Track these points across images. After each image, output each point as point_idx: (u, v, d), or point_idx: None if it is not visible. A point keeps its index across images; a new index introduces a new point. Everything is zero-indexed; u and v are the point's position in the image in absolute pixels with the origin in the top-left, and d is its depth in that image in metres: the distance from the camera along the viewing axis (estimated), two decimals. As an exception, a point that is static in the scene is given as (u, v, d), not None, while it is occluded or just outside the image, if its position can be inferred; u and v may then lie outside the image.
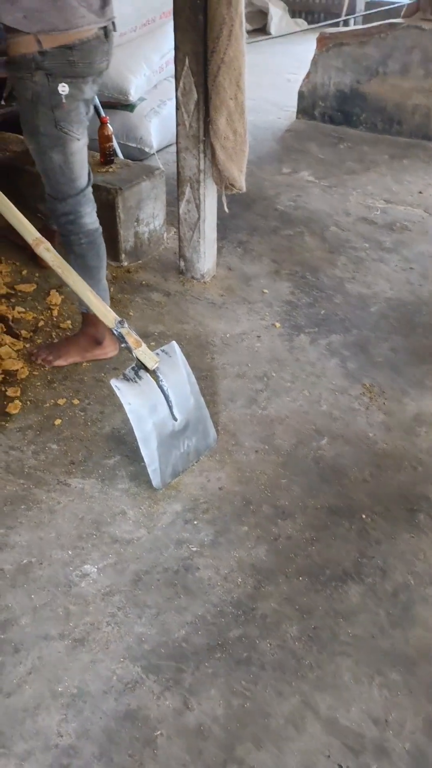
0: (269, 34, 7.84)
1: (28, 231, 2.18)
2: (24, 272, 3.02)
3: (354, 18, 7.52)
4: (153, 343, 2.72)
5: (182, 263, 3.17)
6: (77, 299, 2.38)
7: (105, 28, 2.23)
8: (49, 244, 2.19)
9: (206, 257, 3.14)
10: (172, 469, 2.17)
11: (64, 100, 2.19)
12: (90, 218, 2.46)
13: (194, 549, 1.96)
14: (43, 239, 2.18)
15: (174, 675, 1.67)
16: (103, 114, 3.33)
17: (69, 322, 2.84)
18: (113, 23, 2.28)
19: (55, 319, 2.85)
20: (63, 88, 2.17)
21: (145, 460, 2.11)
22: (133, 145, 4.17)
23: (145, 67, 4.22)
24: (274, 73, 6.38)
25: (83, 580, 1.86)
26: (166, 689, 1.64)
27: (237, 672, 1.68)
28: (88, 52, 2.19)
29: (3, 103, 3.25)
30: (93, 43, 2.19)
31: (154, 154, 4.22)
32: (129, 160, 3.44)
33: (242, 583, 1.88)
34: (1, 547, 1.94)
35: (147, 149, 4.18)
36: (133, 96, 4.11)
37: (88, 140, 2.41)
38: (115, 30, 2.29)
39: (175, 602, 1.82)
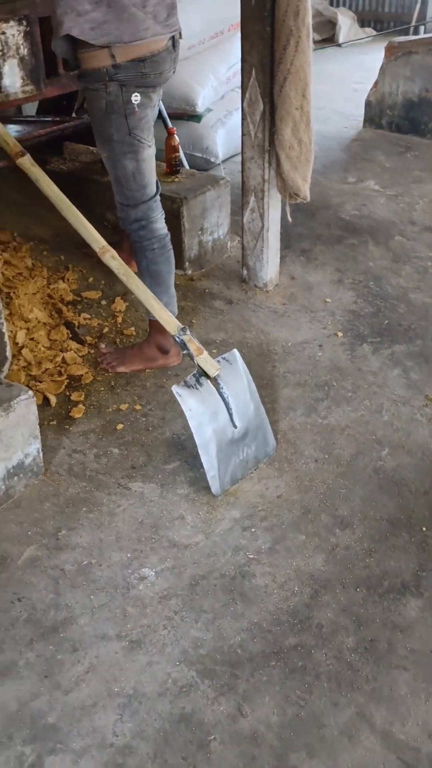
0: (338, 43, 7.82)
1: (95, 239, 2.23)
2: (90, 279, 3.09)
3: (425, 25, 7.43)
4: (215, 351, 2.75)
5: (245, 272, 3.19)
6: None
7: (172, 38, 2.28)
8: (114, 253, 2.24)
9: (269, 266, 3.15)
10: (230, 475, 2.18)
11: (136, 109, 2.26)
12: (160, 224, 2.51)
13: (251, 556, 1.96)
14: (109, 248, 2.24)
15: (229, 680, 1.67)
16: (170, 125, 3.39)
17: (133, 328, 2.89)
18: (179, 32, 2.32)
19: (119, 326, 2.91)
20: (135, 98, 2.24)
21: (205, 466, 2.13)
22: (199, 155, 4.22)
23: (213, 78, 4.27)
24: (341, 83, 6.36)
25: (141, 582, 1.89)
26: (220, 694, 1.64)
27: (292, 680, 1.67)
28: (159, 63, 2.25)
29: (75, 114, 3.35)
30: (163, 55, 2.26)
31: (219, 163, 4.26)
32: (194, 170, 3.49)
33: (299, 591, 1.87)
34: (63, 548, 1.99)
35: (213, 159, 4.23)
36: (200, 107, 4.16)
37: (156, 150, 2.46)
38: (181, 38, 2.34)
39: (231, 608, 1.83)
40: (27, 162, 2.21)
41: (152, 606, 1.83)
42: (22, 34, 2.64)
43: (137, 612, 1.82)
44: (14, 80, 2.67)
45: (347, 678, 1.67)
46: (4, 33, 2.59)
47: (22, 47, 2.65)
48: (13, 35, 2.62)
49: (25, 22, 2.64)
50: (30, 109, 3.65)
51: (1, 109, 2.76)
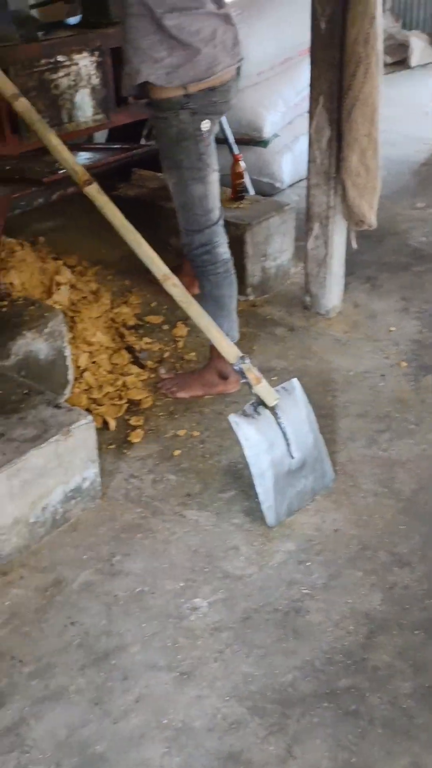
0: (410, 66, 7.75)
1: (158, 267, 2.26)
2: (153, 304, 3.13)
3: None
4: (275, 378, 2.73)
5: (308, 298, 3.17)
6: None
7: (238, 67, 2.33)
8: (176, 280, 2.25)
9: (332, 293, 3.12)
10: (287, 507, 2.15)
11: (205, 135, 2.31)
12: (224, 248, 2.53)
13: (305, 591, 1.93)
14: (172, 275, 2.26)
15: (279, 720, 1.64)
16: (236, 151, 3.41)
17: (193, 354, 2.90)
18: (242, 59, 2.36)
19: (180, 351, 2.92)
20: (205, 125, 2.30)
21: (260, 496, 2.11)
22: (265, 180, 4.23)
23: (281, 103, 4.29)
24: (412, 106, 6.28)
25: (193, 613, 1.88)
26: (270, 733, 1.61)
27: (344, 724, 1.62)
28: (226, 91, 2.32)
29: (143, 141, 3.41)
30: (230, 83, 2.32)
31: (285, 189, 4.26)
32: (259, 196, 3.50)
33: (354, 631, 1.82)
34: (117, 573, 1.99)
35: (278, 184, 4.23)
36: (267, 133, 4.18)
37: (220, 176, 2.50)
38: (242, 64, 2.38)
39: (283, 644, 1.79)
40: (94, 190, 2.25)
41: (203, 638, 1.82)
42: (95, 64, 2.72)
43: (188, 643, 1.80)
44: (85, 109, 2.75)
45: (402, 725, 1.62)
46: (77, 64, 2.66)
47: (93, 77, 2.73)
48: (85, 66, 2.69)
49: (97, 53, 2.72)
50: (100, 136, 3.73)
51: (72, 137, 2.83)
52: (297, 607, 1.89)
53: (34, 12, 4.61)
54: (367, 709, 1.65)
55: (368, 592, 1.92)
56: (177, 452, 2.42)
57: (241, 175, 3.29)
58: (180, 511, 2.19)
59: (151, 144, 3.32)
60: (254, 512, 2.17)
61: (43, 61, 2.57)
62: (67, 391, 2.57)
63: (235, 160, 3.26)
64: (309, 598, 1.91)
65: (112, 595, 1.93)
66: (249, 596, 1.92)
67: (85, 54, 2.68)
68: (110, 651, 1.78)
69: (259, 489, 2.11)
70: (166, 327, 3.04)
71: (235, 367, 2.22)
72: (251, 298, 3.24)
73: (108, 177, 3.34)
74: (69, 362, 2.55)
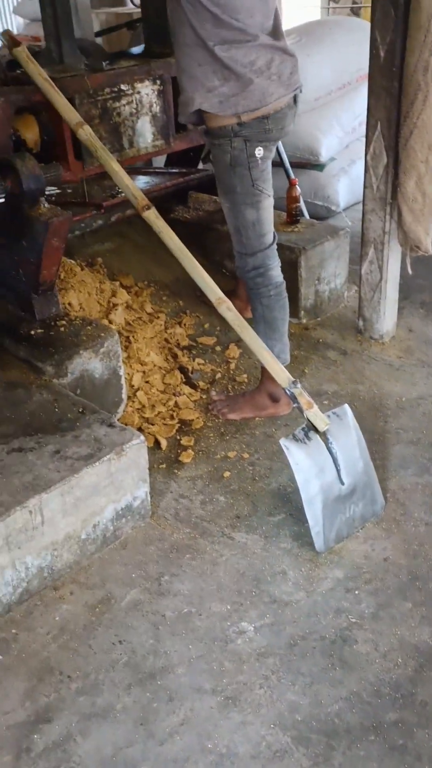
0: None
1: (212, 291, 2.29)
2: (206, 325, 3.16)
3: None
4: (326, 402, 2.73)
5: (361, 322, 3.16)
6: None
7: (294, 95, 2.35)
8: (230, 304, 2.28)
9: (386, 317, 3.10)
10: (336, 533, 2.14)
11: (259, 162, 2.34)
12: (276, 271, 2.56)
13: (353, 620, 1.91)
14: (226, 299, 2.29)
15: (324, 751, 1.62)
16: (292, 176, 3.44)
17: (245, 376, 2.92)
18: (300, 88, 2.38)
19: (232, 373, 2.95)
20: (259, 152, 2.32)
21: (309, 521, 2.11)
22: (320, 203, 4.25)
23: (338, 128, 4.31)
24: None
25: (240, 637, 1.88)
26: (314, 764, 1.60)
27: (391, 759, 1.60)
28: (281, 119, 2.34)
29: (201, 165, 3.46)
30: (284, 111, 2.34)
31: (340, 212, 4.27)
32: (314, 220, 3.51)
33: (402, 663, 1.80)
34: (165, 593, 2.01)
35: (334, 208, 4.24)
36: (323, 156, 4.20)
37: (276, 199, 2.52)
38: (300, 92, 2.40)
39: (330, 674, 1.78)
40: (152, 215, 2.30)
41: (249, 662, 1.81)
42: (156, 92, 2.78)
43: (234, 667, 1.80)
44: (146, 136, 2.81)
45: (450, 763, 1.59)
46: (139, 92, 2.73)
47: (155, 105, 2.79)
48: (147, 94, 2.76)
49: (159, 82, 2.78)
50: (159, 159, 3.81)
51: (132, 162, 2.90)
52: (345, 636, 1.87)
53: (99, 39, 4.76)
54: (414, 744, 1.62)
55: (418, 624, 1.89)
56: (227, 473, 2.44)
57: (296, 199, 3.31)
58: (229, 533, 2.20)
59: (207, 168, 3.37)
60: (303, 537, 2.16)
61: (106, 90, 2.64)
62: (121, 410, 2.62)
63: (291, 185, 3.28)
64: (357, 627, 1.89)
65: (159, 614, 1.94)
66: (296, 622, 1.91)
67: (147, 83, 2.75)
68: (156, 671, 1.80)
69: (308, 514, 2.11)
70: (218, 348, 3.07)
71: (287, 391, 2.23)
72: (304, 321, 3.25)
73: (165, 199, 3.42)
74: (123, 381, 2.60)
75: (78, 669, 1.80)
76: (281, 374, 2.25)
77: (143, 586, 2.03)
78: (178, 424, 2.66)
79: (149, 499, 2.24)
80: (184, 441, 2.58)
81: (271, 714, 1.70)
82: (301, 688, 1.75)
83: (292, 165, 3.70)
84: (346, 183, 4.30)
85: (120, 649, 1.85)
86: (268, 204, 2.45)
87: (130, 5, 5.73)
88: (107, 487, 2.09)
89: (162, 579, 2.05)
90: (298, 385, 2.20)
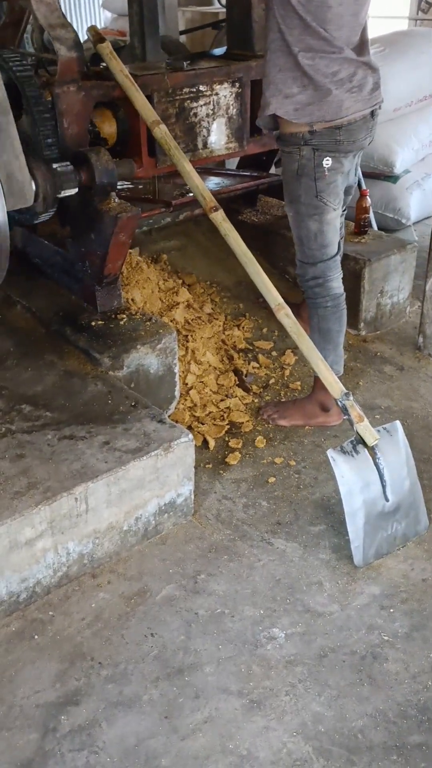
0: None
1: (273, 296, 2.30)
2: (264, 330, 3.17)
3: None
4: (378, 417, 2.71)
5: (421, 339, 3.12)
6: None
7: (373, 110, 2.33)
8: (289, 311, 2.29)
9: (447, 336, 3.06)
10: (376, 549, 2.13)
11: (326, 173, 2.33)
12: (337, 283, 2.54)
13: (386, 638, 1.90)
14: (285, 306, 2.29)
15: (344, 765, 1.62)
16: (363, 186, 3.41)
17: (299, 383, 2.91)
18: (380, 103, 2.36)
19: (286, 379, 2.95)
20: (327, 162, 2.31)
21: (350, 535, 2.10)
22: (391, 215, 4.20)
23: (415, 140, 4.25)
24: None
25: (270, 642, 1.89)
26: (333, 777, 1.60)
27: (410, 781, 1.59)
28: (354, 131, 2.32)
29: (274, 169, 3.47)
30: (359, 123, 2.32)
31: (410, 226, 4.21)
32: (382, 232, 3.48)
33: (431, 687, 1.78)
34: (200, 592, 2.03)
35: (404, 221, 4.19)
36: (398, 168, 4.15)
37: (347, 210, 2.50)
38: (380, 108, 2.38)
39: (357, 689, 1.77)
40: (219, 217, 2.32)
41: (277, 669, 1.82)
42: (234, 95, 2.80)
43: (261, 672, 1.81)
44: (220, 137, 2.84)
45: (472, 793, 1.56)
46: (217, 94, 2.76)
47: (231, 107, 2.81)
48: (224, 96, 2.78)
49: (237, 84, 2.80)
50: (231, 160, 3.83)
51: (204, 162, 2.93)
52: (375, 653, 1.86)
53: (183, 37, 4.81)
54: (436, 769, 1.61)
55: (451, 649, 1.87)
56: (272, 479, 2.44)
57: (366, 210, 3.29)
58: (268, 539, 2.21)
59: (279, 173, 3.38)
60: (342, 549, 2.16)
61: (185, 90, 2.68)
62: (172, 407, 2.65)
63: (362, 195, 3.26)
64: (389, 645, 1.88)
65: (193, 612, 1.97)
66: (327, 634, 1.91)
67: (225, 84, 2.77)
68: (185, 667, 1.82)
69: (349, 527, 2.10)
70: (274, 353, 3.07)
71: (338, 403, 2.22)
72: (363, 333, 3.23)
73: (234, 201, 3.44)
74: (177, 379, 2.63)
75: (109, 657, 1.84)
76: (334, 385, 2.24)
77: (179, 582, 2.05)
78: (228, 426, 2.67)
79: (193, 497, 2.27)
80: (232, 443, 2.59)
81: (294, 722, 1.70)
82: (326, 700, 1.75)
83: (365, 175, 3.67)
84: (418, 196, 4.24)
85: (151, 642, 1.88)
86: (332, 217, 2.43)
87: (217, 5, 5.78)
88: (152, 482, 2.12)
89: (198, 577, 2.07)
90: (350, 398, 2.20)
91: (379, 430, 2.19)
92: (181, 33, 4.92)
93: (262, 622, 1.94)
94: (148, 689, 1.77)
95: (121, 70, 2.44)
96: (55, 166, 2.29)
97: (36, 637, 1.88)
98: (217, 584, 2.05)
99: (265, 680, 1.79)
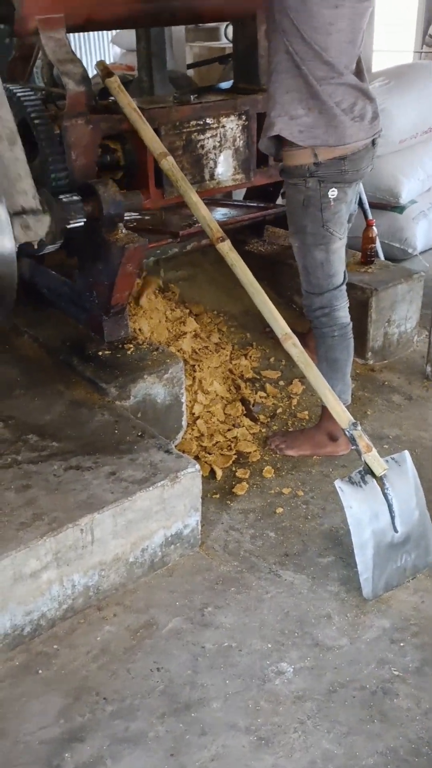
0: None
1: (280, 326, 2.30)
2: (272, 359, 3.17)
3: None
4: (386, 446, 2.69)
5: (429, 368, 3.11)
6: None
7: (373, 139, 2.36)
8: (296, 340, 2.29)
9: (455, 365, 3.05)
10: (385, 581, 2.10)
11: (332, 203, 2.35)
12: (343, 312, 2.55)
13: (396, 673, 1.86)
14: (292, 335, 2.29)
15: (355, 805, 1.58)
16: (370, 216, 3.43)
17: (306, 413, 2.90)
18: (380, 133, 2.39)
19: (293, 408, 2.94)
20: (332, 193, 2.33)
21: (359, 567, 2.07)
22: (397, 245, 4.22)
23: (420, 171, 4.29)
24: None
25: (278, 677, 1.85)
26: None
27: None
28: (358, 161, 2.34)
29: (280, 200, 3.50)
30: (362, 153, 2.34)
31: (417, 255, 4.23)
32: (389, 262, 3.49)
33: (444, 724, 1.74)
34: (208, 625, 2.00)
35: (411, 250, 4.21)
36: (404, 199, 4.18)
37: (350, 239, 2.51)
38: (380, 136, 2.40)
39: (368, 726, 1.74)
40: (226, 247, 2.33)
41: (286, 705, 1.79)
42: (240, 127, 2.83)
43: (270, 708, 1.78)
44: (227, 169, 2.86)
45: None
46: (223, 126, 2.79)
47: (238, 139, 2.84)
48: (231, 128, 2.81)
49: (244, 117, 2.83)
50: (238, 191, 3.87)
51: (211, 194, 2.95)
52: (386, 688, 1.82)
53: (191, 71, 4.89)
54: (450, 810, 1.56)
55: (463, 684, 1.83)
56: (279, 510, 2.42)
57: (372, 240, 3.30)
58: (276, 570, 2.18)
59: (284, 204, 3.40)
60: (351, 581, 2.13)
61: (192, 123, 2.71)
62: (179, 437, 2.64)
63: (368, 225, 3.28)
64: (400, 680, 1.84)
65: (200, 645, 1.94)
66: (337, 669, 1.88)
67: (232, 117, 2.80)
68: (192, 703, 1.79)
69: (358, 559, 2.07)
70: (282, 383, 3.07)
71: (346, 433, 2.21)
72: (371, 362, 3.22)
73: (240, 231, 3.46)
74: (184, 408, 2.62)
75: (115, 692, 1.81)
76: (342, 415, 2.23)
77: (186, 615, 2.03)
78: (235, 456, 2.66)
79: (200, 528, 2.24)
80: (240, 473, 2.58)
81: (304, 760, 1.66)
82: (336, 737, 1.71)
83: (372, 205, 3.69)
84: (424, 226, 4.27)
85: (158, 676, 1.85)
86: (339, 246, 2.45)
87: (224, 39, 5.88)
88: (159, 513, 2.11)
89: (205, 610, 2.04)
90: (358, 428, 2.18)
91: (387, 460, 2.17)
92: (189, 67, 5.01)
93: (271, 656, 1.91)
94: (154, 725, 1.74)
95: (129, 104, 2.47)
96: (62, 197, 2.31)
97: (40, 671, 1.85)
98: (224, 617, 2.02)
99: (273, 716, 1.76)
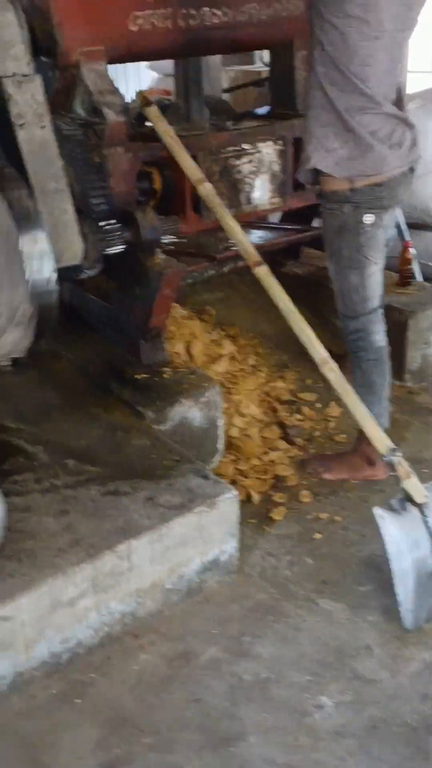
0: None
1: (317, 351, 2.28)
2: (308, 381, 3.14)
3: None
4: (426, 470, 2.64)
5: (469, 390, 3.06)
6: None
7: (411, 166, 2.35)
8: (334, 365, 2.26)
9: None
10: (427, 612, 2.05)
11: (368, 229, 2.34)
12: (379, 336, 2.52)
13: (440, 709, 1.81)
14: (330, 359, 2.27)
15: None
16: (407, 238, 3.40)
17: (344, 436, 2.87)
18: (418, 159, 2.37)
19: (330, 431, 2.91)
20: (368, 218, 2.32)
21: (399, 596, 2.03)
22: (435, 265, 4.17)
23: (458, 191, 4.24)
24: None
25: (318, 711, 1.81)
26: None
27: None
28: (394, 187, 2.34)
29: (316, 222, 3.49)
30: (399, 179, 2.33)
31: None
32: (427, 283, 3.46)
33: None
34: (245, 655, 1.97)
35: (448, 270, 4.16)
36: (441, 218, 4.14)
37: (387, 259, 2.49)
38: (417, 164, 2.38)
39: (410, 764, 1.69)
40: (263, 272, 2.32)
41: (325, 740, 1.75)
42: (277, 152, 2.84)
43: (309, 743, 1.74)
44: (264, 193, 2.87)
45: None
46: (260, 151, 2.80)
47: (275, 164, 2.85)
48: (268, 153, 2.82)
49: (281, 142, 2.84)
50: (274, 214, 3.87)
51: (247, 218, 2.96)
52: (429, 725, 1.77)
53: (227, 95, 4.92)
54: None
55: None
56: (317, 535, 2.39)
57: (409, 261, 3.28)
58: (314, 598, 2.15)
59: (320, 227, 3.39)
60: (391, 611, 2.08)
61: (229, 148, 2.72)
62: (216, 460, 2.63)
63: (405, 247, 3.26)
64: (443, 717, 1.79)
65: (237, 676, 1.91)
66: (378, 703, 1.83)
67: (269, 142, 2.81)
68: (230, 737, 1.75)
69: (398, 588, 2.03)
70: (319, 405, 3.04)
71: (385, 459, 2.17)
72: (409, 384, 3.18)
73: (277, 254, 3.45)
74: (221, 432, 2.61)
75: (151, 724, 1.78)
76: (381, 441, 2.20)
77: (223, 644, 2.00)
78: (272, 480, 2.64)
79: (237, 554, 2.22)
80: (277, 497, 2.55)
81: (344, 799, 1.62)
82: (377, 776, 1.67)
83: (409, 226, 3.67)
84: (463, 247, 4.21)
85: (195, 708, 1.83)
86: (375, 270, 2.43)
87: (259, 63, 5.91)
88: (196, 539, 2.09)
89: (243, 639, 2.02)
90: (398, 454, 2.15)
91: (428, 487, 2.13)
92: (224, 91, 5.03)
93: (309, 688, 1.87)
94: (191, 760, 1.71)
95: (167, 132, 2.49)
96: (102, 224, 2.33)
97: (77, 700, 1.84)
98: (262, 647, 1.99)
99: (313, 752, 1.72)
